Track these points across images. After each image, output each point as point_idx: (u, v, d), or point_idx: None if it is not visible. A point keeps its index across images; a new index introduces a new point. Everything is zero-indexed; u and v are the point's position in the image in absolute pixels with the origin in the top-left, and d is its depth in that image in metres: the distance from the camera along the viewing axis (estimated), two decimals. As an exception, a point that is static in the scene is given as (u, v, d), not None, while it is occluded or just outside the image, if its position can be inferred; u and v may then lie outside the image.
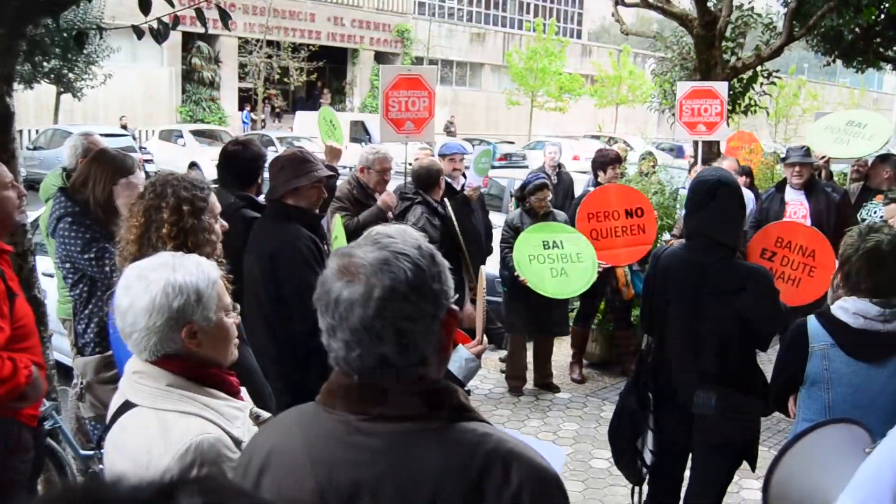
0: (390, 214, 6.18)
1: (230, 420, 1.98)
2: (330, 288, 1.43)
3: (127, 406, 1.98)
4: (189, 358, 1.96)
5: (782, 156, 11.82)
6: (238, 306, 2.16)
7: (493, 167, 21.78)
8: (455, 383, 2.75)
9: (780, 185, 6.90)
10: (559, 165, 9.12)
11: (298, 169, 3.92)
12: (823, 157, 7.77)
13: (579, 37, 54.92)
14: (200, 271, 1.99)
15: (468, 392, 6.06)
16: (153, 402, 1.93)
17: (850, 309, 2.96)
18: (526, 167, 18.03)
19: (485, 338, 2.86)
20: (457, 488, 1.37)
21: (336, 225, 4.73)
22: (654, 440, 3.70)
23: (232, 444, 1.90)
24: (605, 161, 7.32)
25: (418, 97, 7.01)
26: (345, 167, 10.65)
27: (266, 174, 4.46)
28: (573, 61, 44.47)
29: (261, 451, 1.53)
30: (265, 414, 2.14)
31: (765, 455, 4.58)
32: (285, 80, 35.74)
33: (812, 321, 3.06)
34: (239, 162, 4.57)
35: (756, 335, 3.55)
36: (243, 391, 2.16)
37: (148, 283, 1.92)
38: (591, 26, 59.65)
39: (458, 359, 2.73)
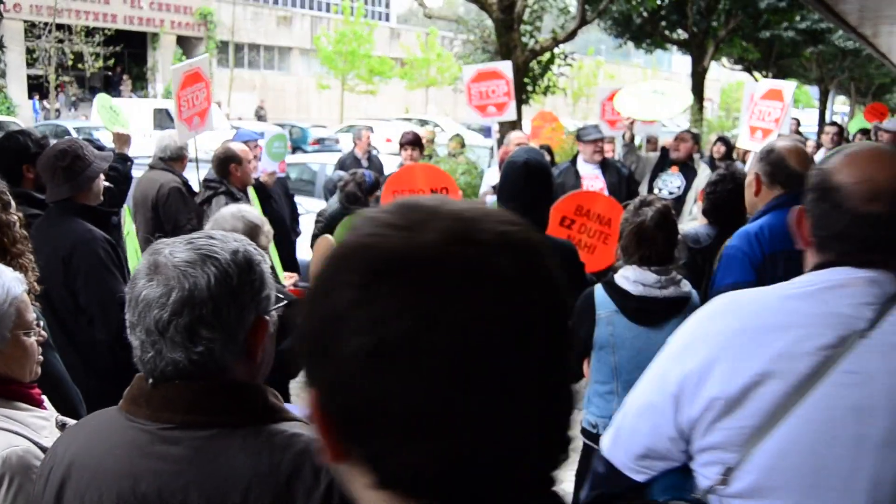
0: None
1: (37, 430, 1.88)
2: (135, 284, 1.40)
3: None
4: None
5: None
6: (42, 322, 2.05)
7: (305, 151, 21.41)
8: None
9: (574, 160, 7.22)
10: (371, 149, 9.14)
11: (78, 165, 3.53)
12: (629, 119, 7.95)
13: (388, 19, 55.09)
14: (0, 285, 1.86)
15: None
16: None
17: (630, 277, 3.20)
18: (339, 151, 17.97)
19: None
20: (266, 492, 1.35)
21: (126, 220, 4.51)
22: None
23: (42, 455, 1.80)
24: (403, 142, 7.88)
25: (199, 91, 6.81)
26: (148, 157, 10.14)
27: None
28: (382, 44, 44.56)
29: (62, 462, 1.45)
30: (71, 421, 2.05)
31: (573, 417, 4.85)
32: (80, 66, 33.40)
33: (598, 289, 3.28)
34: None
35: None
36: (46, 401, 2.06)
37: None
38: (399, 9, 60.00)
39: None
